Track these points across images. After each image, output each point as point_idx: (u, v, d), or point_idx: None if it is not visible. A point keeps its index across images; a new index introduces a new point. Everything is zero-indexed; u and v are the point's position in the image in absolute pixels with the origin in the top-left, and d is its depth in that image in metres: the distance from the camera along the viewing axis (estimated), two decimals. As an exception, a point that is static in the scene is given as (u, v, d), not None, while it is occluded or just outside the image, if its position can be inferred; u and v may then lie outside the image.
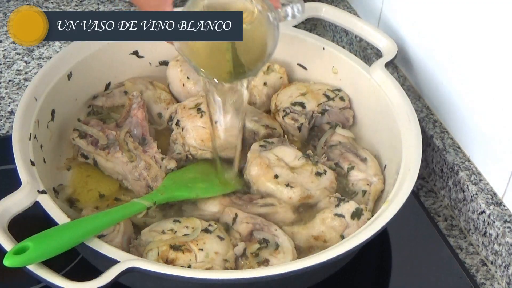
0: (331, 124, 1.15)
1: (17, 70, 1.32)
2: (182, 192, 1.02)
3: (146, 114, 1.10)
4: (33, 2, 1.48)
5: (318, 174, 1.05)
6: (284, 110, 1.15)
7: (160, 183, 1.02)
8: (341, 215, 0.99)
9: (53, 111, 1.08)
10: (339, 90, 1.19)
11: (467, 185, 1.07)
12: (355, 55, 1.21)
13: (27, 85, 1.05)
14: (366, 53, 1.31)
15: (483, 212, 1.04)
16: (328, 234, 0.98)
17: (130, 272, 0.82)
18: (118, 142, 1.04)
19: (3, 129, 1.20)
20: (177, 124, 1.10)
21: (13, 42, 1.36)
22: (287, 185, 1.02)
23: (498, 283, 1.02)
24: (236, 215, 0.99)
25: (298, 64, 1.24)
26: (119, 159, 1.03)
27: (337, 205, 1.00)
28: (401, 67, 1.29)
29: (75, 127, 1.08)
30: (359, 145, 1.13)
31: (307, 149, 1.12)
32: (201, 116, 1.09)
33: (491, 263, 1.04)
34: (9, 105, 1.25)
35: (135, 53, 1.20)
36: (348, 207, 1.00)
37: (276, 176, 1.03)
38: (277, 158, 1.06)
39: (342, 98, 1.17)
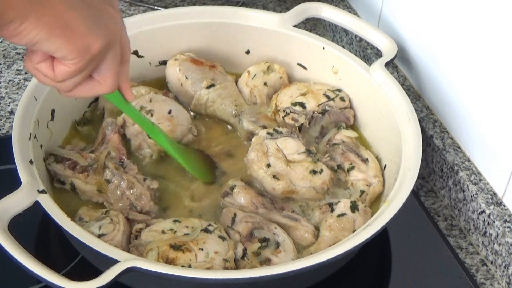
0: (337, 124, 1.15)
1: (17, 70, 1.32)
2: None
3: (120, 139, 1.08)
4: (33, 2, 1.47)
5: (313, 172, 1.05)
6: (284, 110, 1.15)
7: (145, 201, 1.00)
8: (343, 214, 0.99)
9: (53, 111, 1.07)
10: (339, 90, 1.19)
11: (467, 185, 1.07)
12: (355, 55, 1.21)
13: (27, 85, 1.05)
14: (366, 53, 1.32)
15: (483, 212, 1.04)
16: (342, 237, 0.96)
17: (130, 272, 0.82)
18: (97, 163, 1.01)
19: (3, 129, 1.20)
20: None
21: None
22: (274, 177, 1.03)
23: (498, 283, 1.02)
24: (235, 214, 0.99)
25: (298, 64, 1.24)
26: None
27: (332, 210, 1.00)
28: (401, 67, 1.29)
29: (51, 151, 1.04)
30: (361, 145, 1.13)
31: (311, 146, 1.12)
32: (152, 115, 1.10)
33: (491, 263, 1.04)
34: (9, 105, 1.25)
35: (135, 53, 1.20)
36: (343, 205, 1.00)
37: (268, 166, 1.04)
38: (277, 148, 1.06)
39: (342, 98, 1.17)
